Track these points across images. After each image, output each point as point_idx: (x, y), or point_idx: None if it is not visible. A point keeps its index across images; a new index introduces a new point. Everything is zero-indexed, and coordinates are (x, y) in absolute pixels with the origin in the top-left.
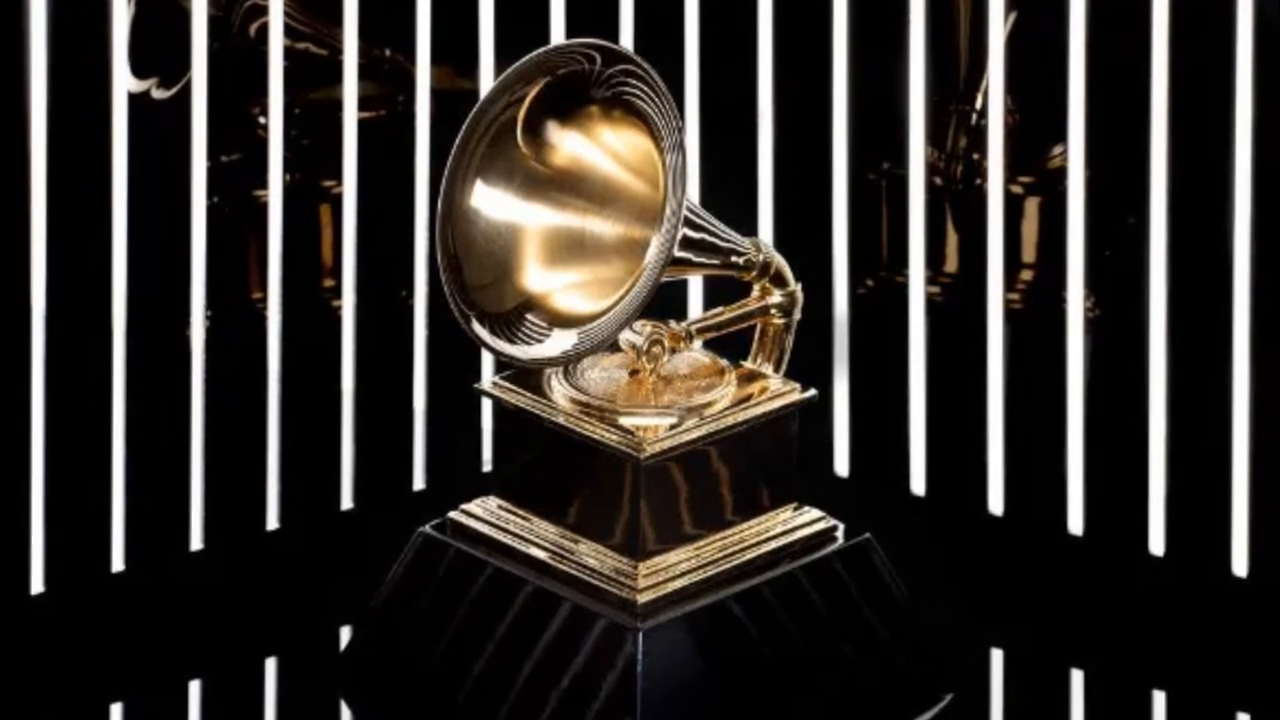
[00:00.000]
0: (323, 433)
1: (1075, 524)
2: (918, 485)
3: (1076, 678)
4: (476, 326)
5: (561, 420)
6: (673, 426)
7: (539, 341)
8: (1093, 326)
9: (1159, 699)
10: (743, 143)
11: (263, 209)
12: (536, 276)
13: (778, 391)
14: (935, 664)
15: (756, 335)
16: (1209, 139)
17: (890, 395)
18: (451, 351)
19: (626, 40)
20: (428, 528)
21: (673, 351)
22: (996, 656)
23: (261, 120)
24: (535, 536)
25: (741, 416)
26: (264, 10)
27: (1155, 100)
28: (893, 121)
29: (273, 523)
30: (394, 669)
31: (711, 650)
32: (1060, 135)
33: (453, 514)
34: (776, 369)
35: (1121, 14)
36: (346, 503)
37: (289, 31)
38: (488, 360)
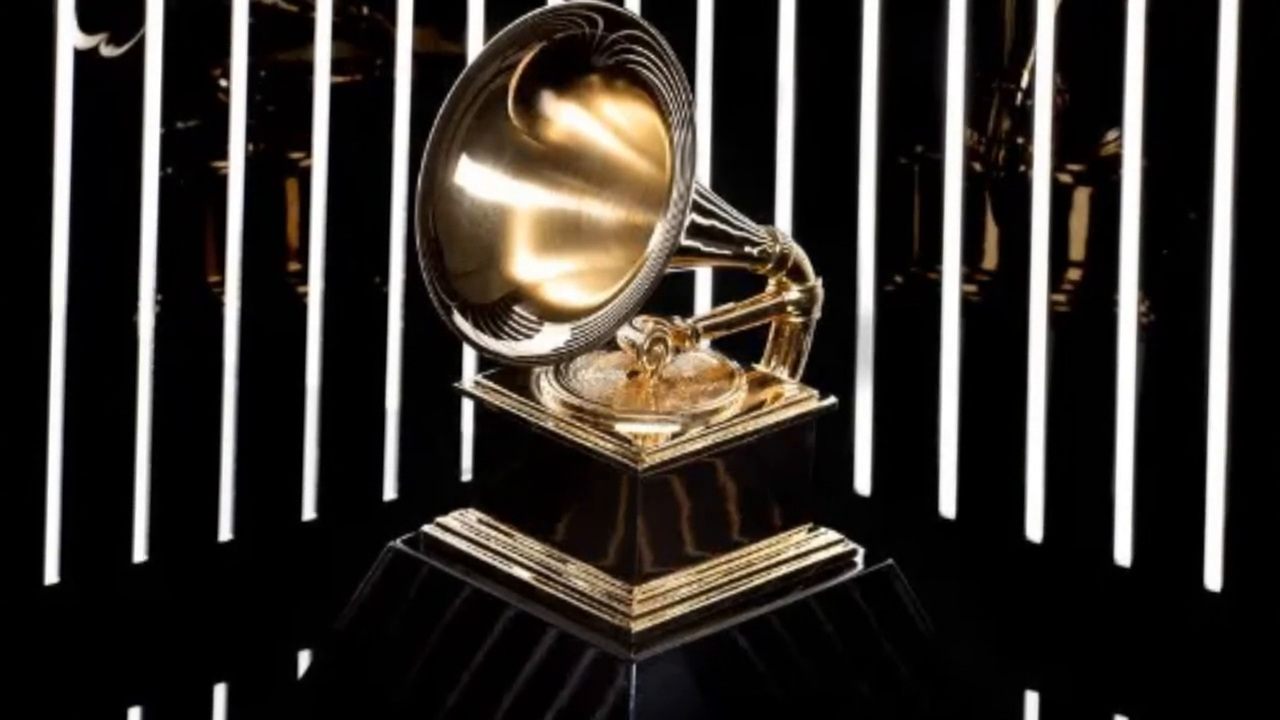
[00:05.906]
0: (284, 434)
1: (1123, 553)
2: (947, 507)
3: None
4: (458, 319)
5: (551, 425)
6: (675, 435)
7: (528, 337)
8: (1147, 333)
9: None
10: (760, 120)
11: (222, 182)
12: (526, 264)
13: (793, 399)
14: (962, 707)
15: (771, 335)
16: None
17: (919, 405)
18: (430, 346)
19: (633, 3)
20: (399, 542)
21: (676, 351)
22: (1031, 700)
23: (223, 83)
24: (519, 555)
25: (752, 426)
26: None
27: (1221, 81)
28: (928, 100)
29: (226, 534)
30: (358, 698)
31: (713, 685)
32: (1115, 119)
33: (427, 528)
34: (792, 373)
35: None
36: (309, 513)
37: None
38: (470, 357)
